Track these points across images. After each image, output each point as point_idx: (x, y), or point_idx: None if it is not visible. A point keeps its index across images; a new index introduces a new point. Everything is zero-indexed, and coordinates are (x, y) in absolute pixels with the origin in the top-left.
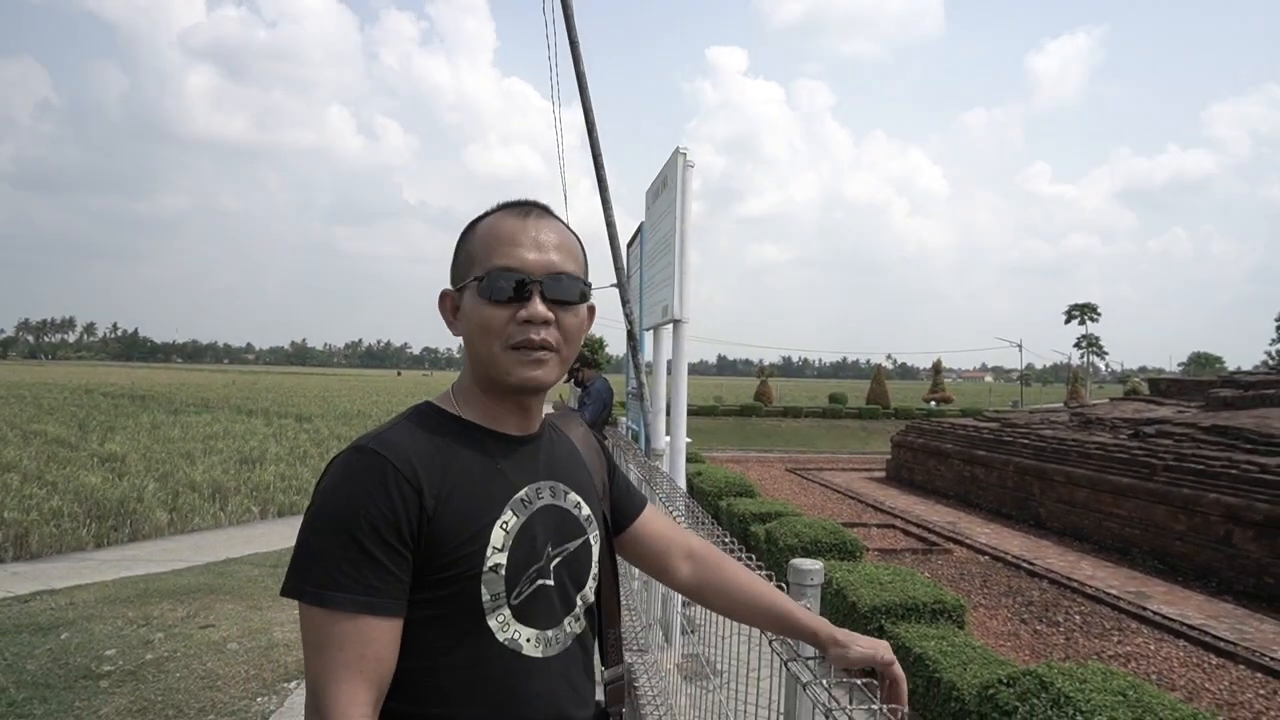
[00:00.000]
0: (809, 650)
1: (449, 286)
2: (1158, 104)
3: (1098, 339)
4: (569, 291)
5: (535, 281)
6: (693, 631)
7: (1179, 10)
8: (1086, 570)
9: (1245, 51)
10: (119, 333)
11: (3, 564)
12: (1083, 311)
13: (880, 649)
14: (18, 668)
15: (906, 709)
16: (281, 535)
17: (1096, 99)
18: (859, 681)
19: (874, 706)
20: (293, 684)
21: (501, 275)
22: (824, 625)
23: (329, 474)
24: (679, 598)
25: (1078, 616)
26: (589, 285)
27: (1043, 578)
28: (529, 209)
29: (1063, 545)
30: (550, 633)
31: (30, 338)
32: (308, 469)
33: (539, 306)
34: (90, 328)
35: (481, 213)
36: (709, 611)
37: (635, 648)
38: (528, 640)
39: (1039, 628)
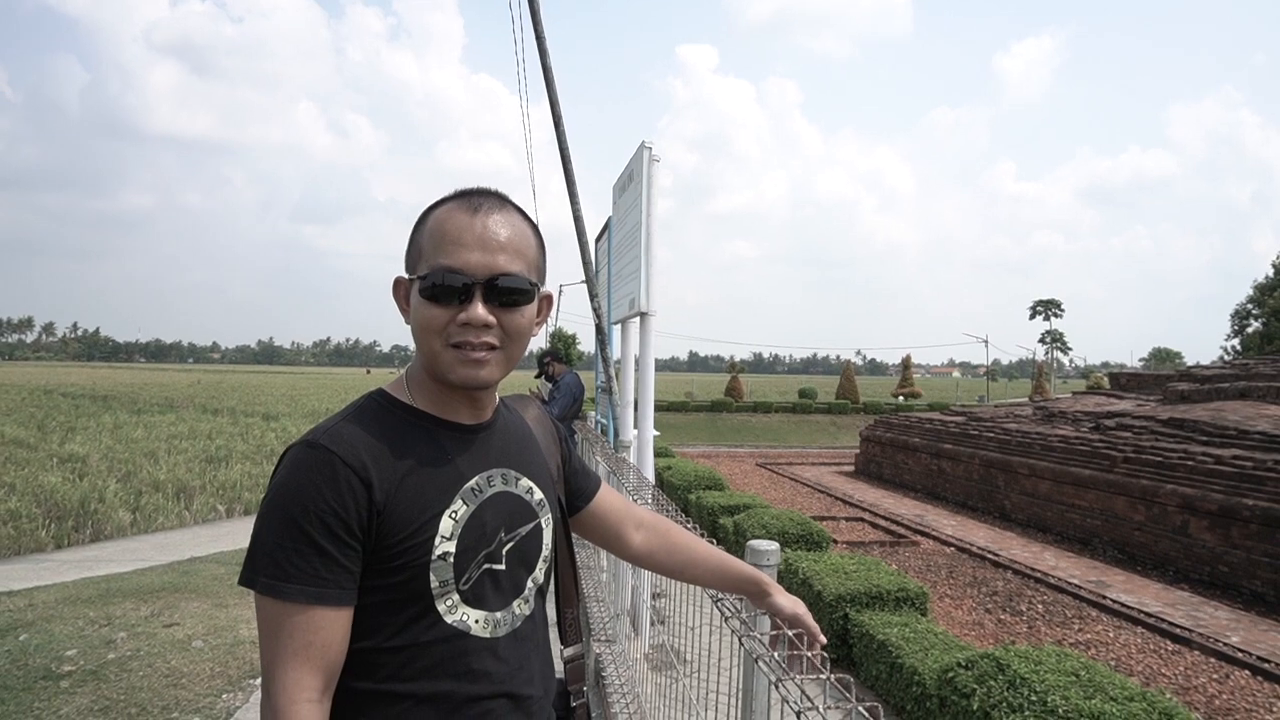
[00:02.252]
0: (763, 627)
1: (403, 273)
2: (1119, 105)
3: (1061, 335)
4: (513, 293)
5: (477, 284)
6: (661, 623)
7: (1141, 15)
8: (1049, 561)
9: (1203, 55)
10: (79, 332)
11: None
12: (1047, 307)
13: (799, 607)
14: None
15: (820, 644)
16: (247, 534)
17: (1060, 100)
18: (809, 654)
19: (822, 677)
20: (258, 680)
21: (443, 275)
22: (764, 576)
23: (281, 468)
24: (647, 589)
25: (1040, 606)
26: (537, 284)
27: (1007, 568)
28: (480, 202)
29: (1027, 536)
30: (499, 614)
31: None
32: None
33: (479, 310)
34: (49, 327)
35: (438, 199)
36: (677, 603)
37: (603, 638)
38: (476, 622)
39: (1003, 617)
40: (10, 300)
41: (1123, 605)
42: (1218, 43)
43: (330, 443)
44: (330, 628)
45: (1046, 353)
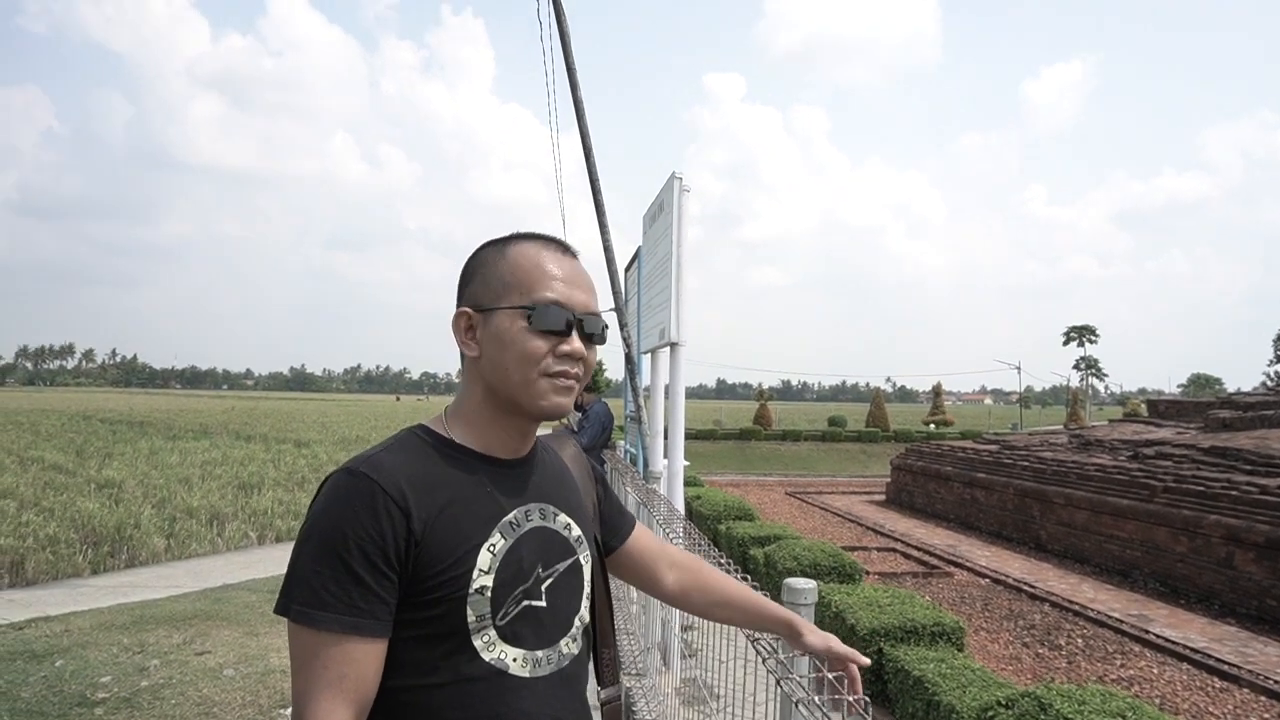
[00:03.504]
0: (801, 669)
1: (466, 307)
2: (1152, 128)
3: (1096, 361)
4: (599, 332)
5: (578, 319)
6: (691, 656)
7: (1173, 37)
8: (1088, 593)
9: (1238, 77)
10: (118, 359)
11: None
12: (1081, 333)
13: (831, 641)
14: (12, 695)
15: (863, 697)
16: (279, 561)
17: (1092, 124)
18: (851, 698)
19: None
20: (289, 710)
21: (553, 309)
22: (795, 616)
23: (320, 495)
24: (677, 622)
25: (1080, 640)
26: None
27: (1044, 601)
28: (565, 246)
29: (1064, 568)
30: (541, 653)
31: (29, 364)
32: (306, 494)
33: (579, 343)
34: (89, 354)
35: (503, 237)
36: (708, 636)
37: (634, 671)
38: (514, 660)
39: (1041, 651)
40: (52, 327)
41: (1167, 640)
42: (1253, 65)
43: (370, 470)
44: (364, 660)
45: (1081, 379)
